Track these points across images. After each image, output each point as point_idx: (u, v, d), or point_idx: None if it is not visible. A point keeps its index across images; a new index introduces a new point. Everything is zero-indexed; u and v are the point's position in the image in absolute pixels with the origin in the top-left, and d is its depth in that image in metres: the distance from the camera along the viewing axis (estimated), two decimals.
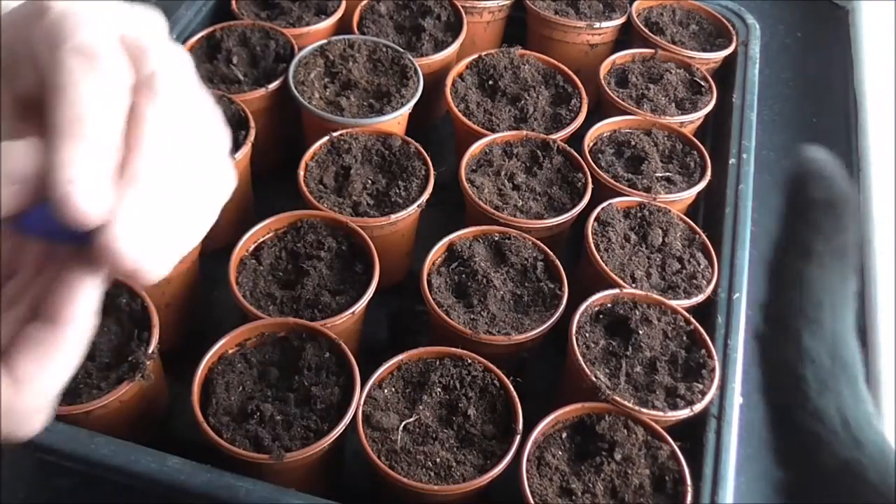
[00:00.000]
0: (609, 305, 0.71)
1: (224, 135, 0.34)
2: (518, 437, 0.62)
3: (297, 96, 0.84)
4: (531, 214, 0.78)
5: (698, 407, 0.65)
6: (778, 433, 0.44)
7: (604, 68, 0.94)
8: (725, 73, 0.97)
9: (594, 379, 0.65)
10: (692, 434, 0.65)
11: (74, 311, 0.31)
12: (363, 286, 0.70)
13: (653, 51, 0.96)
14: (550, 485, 0.61)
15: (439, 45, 0.94)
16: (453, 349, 0.67)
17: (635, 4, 1.00)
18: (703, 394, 0.65)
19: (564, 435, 0.64)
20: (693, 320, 0.70)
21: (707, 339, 0.69)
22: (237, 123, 0.81)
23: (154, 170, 0.30)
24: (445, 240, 0.75)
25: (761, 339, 0.45)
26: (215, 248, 0.79)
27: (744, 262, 0.76)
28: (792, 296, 0.44)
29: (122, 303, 0.66)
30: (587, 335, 0.69)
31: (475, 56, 0.93)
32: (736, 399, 0.66)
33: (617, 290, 0.71)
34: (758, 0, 1.16)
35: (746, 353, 0.71)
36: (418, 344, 0.67)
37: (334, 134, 0.81)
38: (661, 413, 0.64)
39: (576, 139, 0.86)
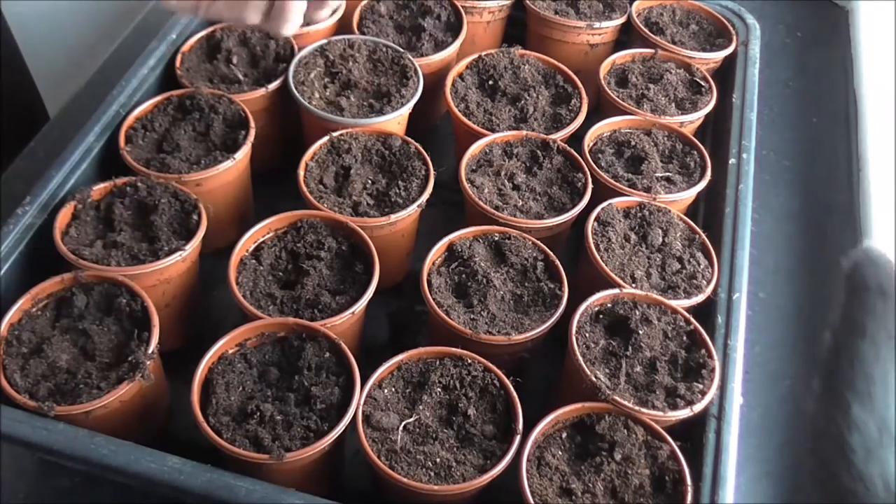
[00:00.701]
0: (609, 305, 0.71)
1: None
2: (518, 437, 0.62)
3: (297, 96, 0.84)
4: (531, 214, 0.78)
5: (698, 407, 0.65)
6: (821, 490, 0.48)
7: (604, 68, 0.94)
8: (725, 73, 0.97)
9: (594, 379, 0.65)
10: (692, 434, 0.65)
11: None
12: (363, 286, 0.70)
13: (653, 51, 0.96)
14: (550, 485, 0.61)
15: (439, 45, 0.94)
16: (453, 349, 0.67)
17: (635, 4, 1.00)
18: (703, 394, 0.65)
19: (564, 435, 0.64)
20: (693, 320, 0.70)
21: (707, 339, 0.69)
22: (237, 123, 0.81)
23: None
24: (445, 240, 0.75)
25: (810, 410, 0.49)
26: (215, 248, 0.79)
27: (744, 262, 0.76)
28: (845, 369, 0.48)
29: (122, 303, 0.66)
30: (587, 335, 0.69)
31: (475, 56, 0.93)
32: (736, 399, 0.66)
33: (617, 290, 0.71)
34: (758, 0, 1.16)
35: (746, 354, 0.71)
36: (418, 344, 0.67)
37: (334, 134, 0.81)
38: (661, 413, 0.64)
39: (576, 139, 0.86)
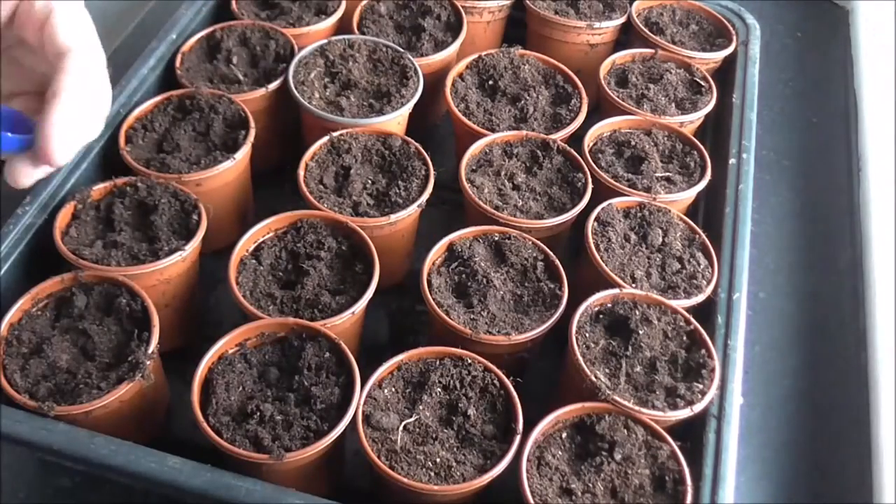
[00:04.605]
0: (609, 305, 0.71)
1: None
2: (518, 437, 0.62)
3: (297, 96, 0.84)
4: (531, 214, 0.78)
5: (698, 407, 0.65)
6: None
7: (604, 68, 0.94)
8: (725, 73, 0.97)
9: (594, 379, 0.65)
10: (692, 434, 0.65)
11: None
12: (363, 286, 0.70)
13: (653, 51, 0.96)
14: (550, 485, 0.61)
15: (439, 45, 0.94)
16: (453, 349, 0.67)
17: (635, 4, 1.00)
18: (703, 394, 0.65)
19: (564, 435, 0.64)
20: (693, 320, 0.70)
21: (707, 339, 0.69)
22: (237, 123, 0.81)
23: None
24: (445, 240, 0.75)
25: None
26: (215, 248, 0.79)
27: (744, 262, 0.76)
28: None
29: (122, 303, 0.66)
30: (587, 335, 0.69)
31: (475, 56, 0.93)
32: (736, 399, 0.66)
33: (617, 290, 0.71)
34: (758, 0, 1.16)
35: (746, 354, 0.71)
36: (418, 344, 0.67)
37: (334, 134, 0.81)
38: (661, 413, 0.64)
39: (576, 139, 0.86)
